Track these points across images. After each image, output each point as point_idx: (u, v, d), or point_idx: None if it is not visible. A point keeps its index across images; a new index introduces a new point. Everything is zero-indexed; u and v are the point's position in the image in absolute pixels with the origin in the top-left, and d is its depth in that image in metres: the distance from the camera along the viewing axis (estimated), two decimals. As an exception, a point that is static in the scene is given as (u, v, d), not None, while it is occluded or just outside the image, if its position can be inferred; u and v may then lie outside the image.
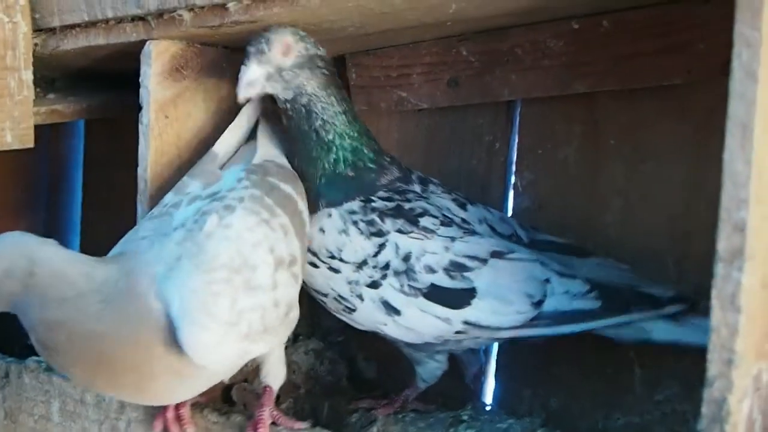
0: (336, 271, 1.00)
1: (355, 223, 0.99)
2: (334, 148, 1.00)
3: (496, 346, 1.20)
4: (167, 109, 1.06)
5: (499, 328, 0.98)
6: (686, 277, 1.03)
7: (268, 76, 0.97)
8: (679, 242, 1.03)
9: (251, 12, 0.94)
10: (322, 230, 1.01)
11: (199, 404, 1.03)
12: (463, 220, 1.03)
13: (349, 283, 1.00)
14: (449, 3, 0.92)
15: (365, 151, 1.01)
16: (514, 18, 1.03)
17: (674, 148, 1.04)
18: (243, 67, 0.96)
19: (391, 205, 1.00)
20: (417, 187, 1.04)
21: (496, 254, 0.98)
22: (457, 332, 0.98)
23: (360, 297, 1.00)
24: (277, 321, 0.91)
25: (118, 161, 1.60)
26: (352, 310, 1.01)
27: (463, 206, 1.05)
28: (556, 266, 0.99)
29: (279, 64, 0.96)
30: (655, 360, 1.06)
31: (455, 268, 0.97)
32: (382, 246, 0.99)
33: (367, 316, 1.00)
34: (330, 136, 0.99)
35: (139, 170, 1.07)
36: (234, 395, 1.18)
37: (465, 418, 1.06)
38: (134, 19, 1.04)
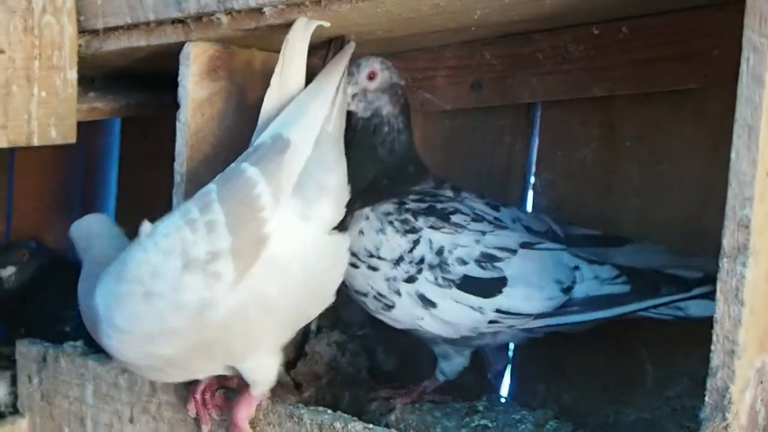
0: (375, 269, 1.04)
1: (390, 222, 1.05)
2: (383, 163, 1.08)
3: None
4: (203, 108, 1.11)
5: (530, 315, 1.00)
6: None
7: (354, 95, 1.08)
8: (694, 241, 1.05)
9: (285, 16, 0.98)
10: (361, 232, 1.05)
11: (227, 389, 1.07)
12: (496, 218, 1.07)
13: (387, 279, 1.04)
14: (474, 9, 0.95)
15: (409, 167, 1.10)
16: (536, 23, 1.06)
17: (688, 150, 1.07)
18: None
19: (423, 205, 1.06)
20: (449, 193, 1.10)
21: (526, 245, 1.02)
22: (491, 322, 1.02)
23: (398, 292, 1.04)
24: (182, 323, 0.89)
25: (151, 159, 1.66)
26: (390, 307, 1.05)
27: (495, 208, 1.09)
28: (585, 254, 1.02)
29: (365, 87, 1.08)
30: (665, 357, 1.09)
31: (486, 259, 1.01)
32: (416, 242, 1.03)
33: (405, 311, 1.04)
34: (385, 153, 1.08)
35: (176, 165, 1.11)
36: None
37: (480, 408, 1.09)
38: (174, 21, 1.09)
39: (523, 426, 1.04)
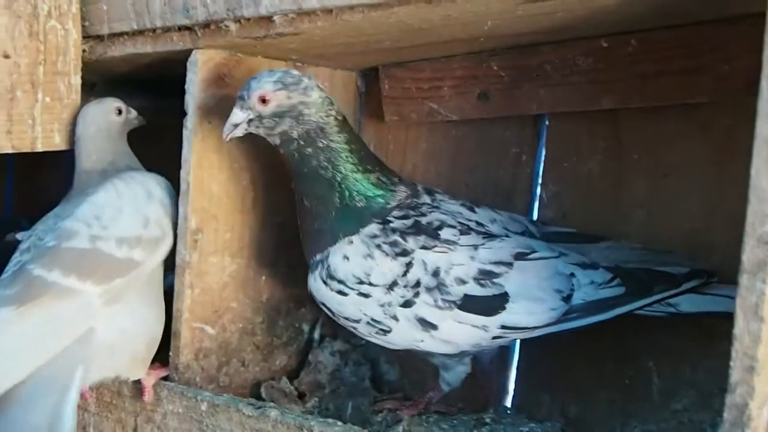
0: (366, 295, 1.01)
1: (378, 246, 1.01)
2: (336, 185, 1.02)
3: (516, 353, 1.23)
4: (210, 116, 1.11)
5: (535, 328, 1.00)
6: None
7: (249, 121, 1.02)
8: (700, 254, 1.05)
9: (296, 25, 0.97)
10: (346, 258, 1.01)
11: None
12: (478, 223, 1.06)
13: (382, 305, 1.00)
14: (485, 20, 0.95)
15: (371, 180, 1.03)
16: (545, 35, 1.06)
17: (696, 164, 1.07)
18: (233, 109, 1.02)
19: (408, 222, 1.02)
20: (427, 199, 1.07)
21: (520, 256, 1.01)
22: (495, 338, 1.01)
23: (394, 317, 1.01)
24: None
25: (153, 164, 1.65)
26: (386, 332, 1.02)
27: (472, 209, 1.08)
28: (576, 258, 1.02)
29: (259, 112, 1.01)
30: (672, 369, 1.09)
31: (484, 275, 0.99)
32: (409, 264, 1.00)
33: (403, 335, 1.02)
34: (329, 175, 1.01)
35: (182, 173, 1.11)
36: (263, 393, 1.22)
37: (488, 420, 1.09)
38: (181, 28, 1.08)
39: (531, 438, 1.04)
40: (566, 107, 1.12)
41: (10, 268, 1.06)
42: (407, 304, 1.00)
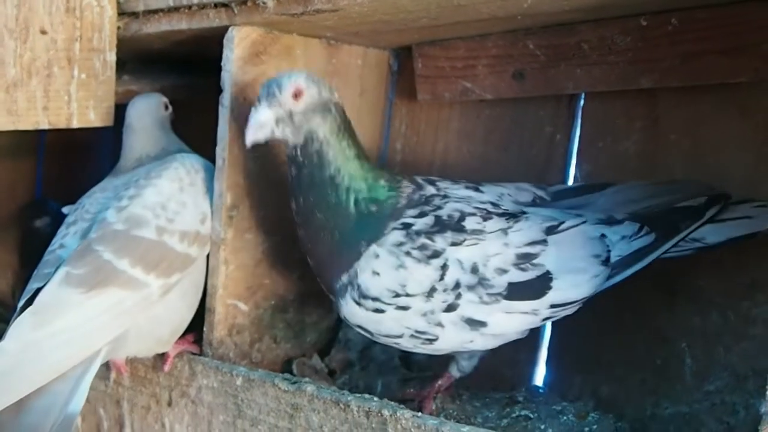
0: (405, 308, 0.96)
1: (407, 253, 0.96)
2: (352, 192, 0.98)
3: (548, 333, 1.23)
4: (246, 92, 1.11)
5: (583, 299, 0.98)
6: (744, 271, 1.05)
7: (278, 119, 0.97)
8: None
9: (334, 1, 0.97)
10: (376, 273, 0.96)
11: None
12: (493, 204, 1.02)
13: (424, 314, 0.96)
14: (526, -3, 0.95)
15: (380, 184, 1.00)
16: (583, 14, 1.05)
17: (734, 145, 1.06)
18: (253, 109, 0.97)
19: (429, 220, 0.98)
20: (431, 189, 1.03)
21: (550, 230, 0.98)
22: (545, 319, 0.98)
23: (439, 324, 0.96)
24: None
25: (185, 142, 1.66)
26: (432, 341, 0.98)
27: (477, 190, 1.05)
28: (598, 217, 1.00)
29: (290, 108, 0.97)
30: (706, 351, 1.08)
31: (522, 259, 0.96)
32: (444, 267, 0.95)
33: (451, 340, 0.97)
34: (346, 181, 0.98)
35: (218, 149, 1.11)
36: (294, 369, 1.23)
37: (520, 399, 1.10)
38: (217, 5, 1.08)
39: (565, 417, 1.04)
40: (603, 87, 1.11)
41: (58, 240, 1.08)
42: (451, 308, 0.96)
